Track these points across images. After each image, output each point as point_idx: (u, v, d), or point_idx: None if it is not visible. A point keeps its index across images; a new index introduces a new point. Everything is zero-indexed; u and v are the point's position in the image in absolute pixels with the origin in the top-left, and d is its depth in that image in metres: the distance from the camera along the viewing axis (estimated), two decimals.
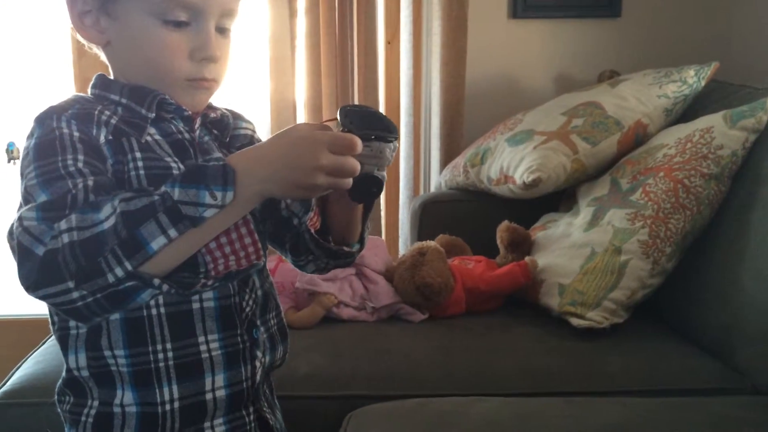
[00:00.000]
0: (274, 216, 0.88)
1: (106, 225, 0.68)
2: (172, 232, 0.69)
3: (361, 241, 0.91)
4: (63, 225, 0.68)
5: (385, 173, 0.79)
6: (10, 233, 0.71)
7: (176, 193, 0.69)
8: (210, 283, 0.78)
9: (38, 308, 0.75)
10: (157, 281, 0.70)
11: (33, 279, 0.68)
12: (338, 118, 0.75)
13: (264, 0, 1.93)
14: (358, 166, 0.72)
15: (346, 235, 0.89)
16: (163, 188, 0.70)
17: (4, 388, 1.21)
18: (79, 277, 0.67)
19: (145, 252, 0.68)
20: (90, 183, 0.72)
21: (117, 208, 0.69)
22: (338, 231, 0.89)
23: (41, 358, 1.28)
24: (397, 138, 0.77)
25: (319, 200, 0.89)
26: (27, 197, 0.73)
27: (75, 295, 0.68)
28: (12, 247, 0.71)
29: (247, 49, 1.96)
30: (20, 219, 0.70)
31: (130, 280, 0.69)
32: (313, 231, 0.88)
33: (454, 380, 1.23)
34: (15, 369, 1.27)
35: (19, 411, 1.17)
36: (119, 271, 0.68)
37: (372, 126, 0.74)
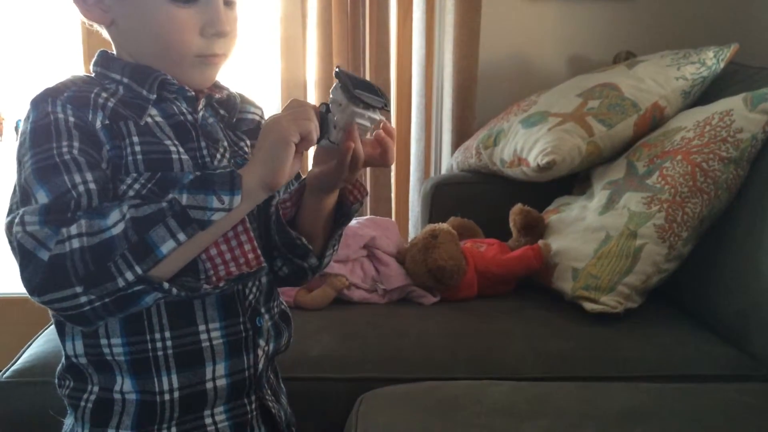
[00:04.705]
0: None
1: (115, 231, 0.68)
2: (181, 236, 0.70)
3: (321, 260, 0.89)
4: (73, 230, 0.68)
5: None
6: (9, 230, 0.70)
7: (184, 199, 0.71)
8: (222, 285, 0.77)
9: None
10: (166, 284, 0.71)
11: (37, 283, 0.68)
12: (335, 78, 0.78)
13: None
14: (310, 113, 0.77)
15: (309, 242, 0.88)
16: (170, 195, 0.71)
17: (14, 367, 1.21)
18: (87, 282, 0.68)
19: (155, 256, 0.69)
20: (92, 186, 0.72)
21: (126, 215, 0.69)
22: (304, 233, 0.87)
23: (51, 337, 1.28)
24: (385, 106, 0.80)
25: (296, 191, 0.87)
26: (26, 189, 0.72)
27: (83, 299, 0.69)
28: (12, 247, 0.70)
29: (258, 28, 1.94)
30: (22, 222, 0.69)
31: (139, 284, 0.70)
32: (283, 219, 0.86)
33: (466, 363, 1.22)
34: (25, 347, 1.27)
35: (29, 389, 1.17)
36: (129, 276, 0.69)
37: (364, 89, 0.78)
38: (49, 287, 0.68)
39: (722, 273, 1.34)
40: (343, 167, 0.79)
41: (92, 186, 0.72)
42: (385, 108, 0.80)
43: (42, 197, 0.71)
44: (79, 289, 0.68)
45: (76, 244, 0.68)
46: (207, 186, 0.72)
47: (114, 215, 0.69)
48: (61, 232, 0.68)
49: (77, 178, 0.72)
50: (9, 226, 0.71)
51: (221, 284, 0.77)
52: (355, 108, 0.78)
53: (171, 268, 0.72)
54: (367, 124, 0.80)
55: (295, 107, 0.77)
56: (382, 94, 0.79)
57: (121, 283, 0.69)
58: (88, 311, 0.70)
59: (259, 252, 0.77)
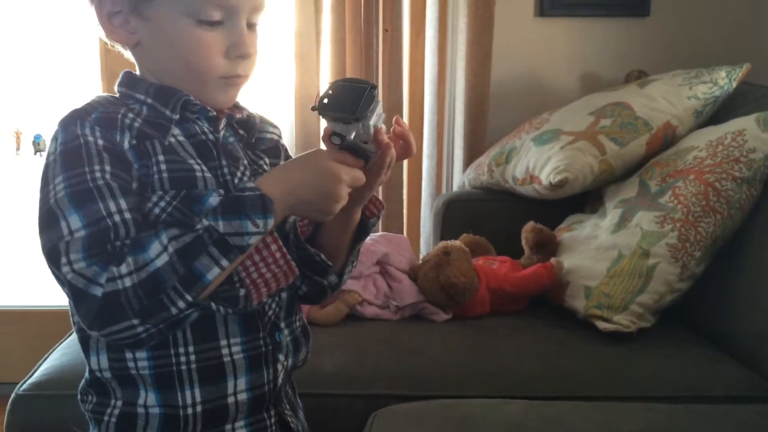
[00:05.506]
0: None
1: (159, 263, 0.71)
2: (224, 263, 0.73)
3: (341, 277, 0.92)
4: (123, 269, 0.71)
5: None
6: (56, 266, 0.72)
7: (221, 226, 0.73)
8: (269, 293, 0.80)
9: (64, 300, 0.77)
10: (213, 305, 0.75)
11: (93, 319, 0.72)
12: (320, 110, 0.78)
13: None
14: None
15: (330, 260, 0.90)
16: (205, 222, 0.73)
17: (30, 380, 1.21)
18: (143, 315, 0.72)
19: (203, 283, 0.73)
20: (127, 216, 0.74)
21: (168, 247, 0.72)
22: (325, 250, 0.89)
23: (67, 350, 1.29)
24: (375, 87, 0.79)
25: None
26: (55, 211, 0.74)
27: (140, 329, 0.72)
28: (60, 282, 0.73)
29: (273, 45, 1.96)
30: (69, 261, 0.71)
31: (190, 309, 0.73)
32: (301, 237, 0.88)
33: (479, 381, 1.22)
34: (41, 361, 1.28)
35: (45, 402, 1.18)
36: (181, 304, 0.72)
37: (356, 98, 0.77)
38: (108, 322, 0.72)
39: (735, 293, 1.34)
40: (381, 169, 0.82)
41: (127, 216, 0.74)
42: (375, 88, 0.80)
43: (75, 222, 0.73)
44: (135, 321, 0.72)
45: (128, 282, 0.71)
46: (239, 210, 0.74)
47: (155, 246, 0.72)
48: (111, 270, 0.71)
49: (112, 206, 0.74)
50: (54, 261, 0.73)
51: (256, 301, 0.79)
52: (371, 117, 0.79)
53: (214, 287, 0.75)
54: (382, 114, 0.82)
55: (354, 184, 0.79)
56: (363, 81, 0.79)
57: (174, 311, 0.72)
58: (145, 338, 0.74)
59: (285, 250, 0.79)
